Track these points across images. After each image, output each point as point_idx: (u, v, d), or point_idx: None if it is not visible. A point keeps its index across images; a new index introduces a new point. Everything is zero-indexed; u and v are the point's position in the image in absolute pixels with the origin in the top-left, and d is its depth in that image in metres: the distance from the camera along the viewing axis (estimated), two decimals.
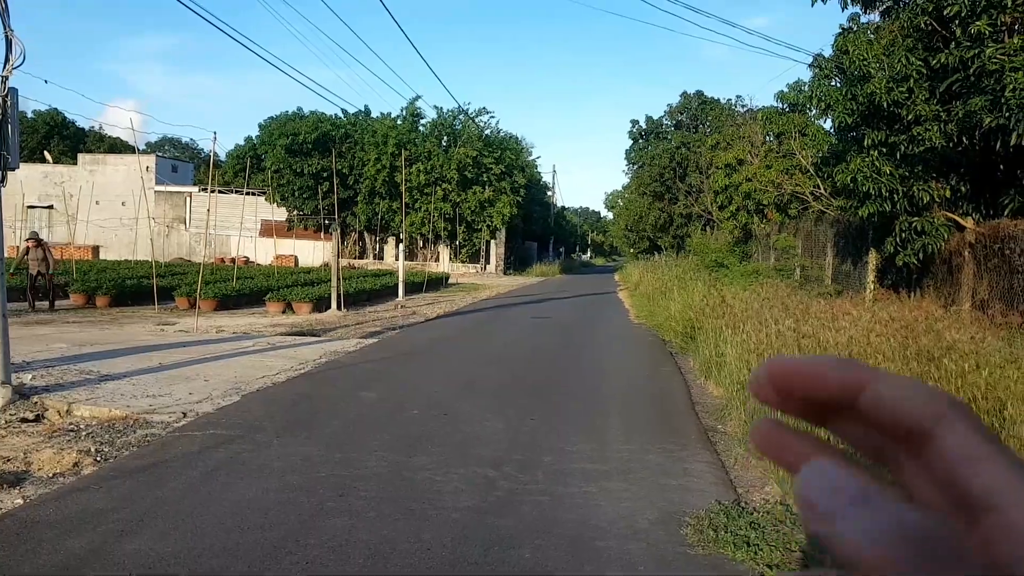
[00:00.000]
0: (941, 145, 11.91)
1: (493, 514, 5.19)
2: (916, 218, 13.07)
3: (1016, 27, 11.10)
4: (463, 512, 5.19)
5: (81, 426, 7.19)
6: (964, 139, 11.82)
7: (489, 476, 5.98)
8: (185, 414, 7.60)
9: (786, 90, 23.82)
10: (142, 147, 71.69)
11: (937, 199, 13.02)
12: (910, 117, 12.20)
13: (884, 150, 13.07)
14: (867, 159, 13.10)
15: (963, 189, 13.10)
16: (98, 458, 6.24)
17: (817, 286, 18.28)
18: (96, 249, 47.63)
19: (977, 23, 10.83)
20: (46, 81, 50.03)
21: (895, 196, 12.95)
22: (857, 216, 14.36)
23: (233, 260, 39.10)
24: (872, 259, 15.69)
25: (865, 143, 13.31)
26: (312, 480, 5.76)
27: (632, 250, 61.79)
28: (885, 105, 12.41)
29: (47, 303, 18.40)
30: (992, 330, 10.03)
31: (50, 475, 5.83)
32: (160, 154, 64.91)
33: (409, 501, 5.37)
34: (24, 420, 7.36)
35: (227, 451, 6.45)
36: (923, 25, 12.20)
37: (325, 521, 4.94)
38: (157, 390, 8.60)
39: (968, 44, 11.14)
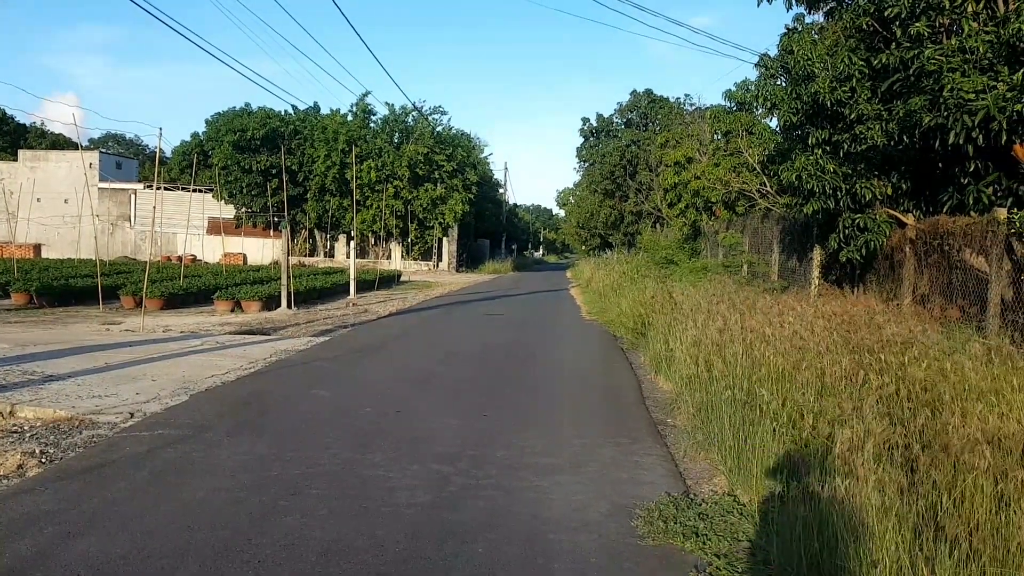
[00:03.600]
0: (883, 143, 12.16)
1: (447, 509, 5.22)
2: (859, 215, 13.33)
3: (954, 28, 11.41)
4: (417, 508, 5.21)
5: (25, 428, 7.04)
6: (905, 138, 12.07)
7: (443, 472, 6.00)
8: (132, 414, 7.49)
9: (734, 89, 24.22)
10: (85, 143, 70.12)
11: (879, 196, 13.30)
12: (853, 116, 12.44)
13: (828, 148, 13.31)
14: (811, 157, 13.33)
15: (904, 186, 13.40)
16: (43, 460, 6.12)
17: (764, 282, 18.59)
18: (38, 247, 46.45)
19: (916, 24, 11.08)
20: None
21: (838, 193, 13.20)
22: (802, 213, 14.61)
23: (180, 258, 38.50)
24: (817, 255, 16.00)
25: (809, 141, 13.54)
26: (264, 479, 5.72)
27: (584, 247, 62.17)
28: (829, 104, 12.65)
29: None
30: (932, 324, 10.31)
31: None
32: (104, 150, 63.54)
33: (362, 499, 5.37)
34: None
35: (176, 451, 6.38)
36: (865, 26, 12.46)
37: (277, 520, 4.92)
38: (103, 390, 8.45)
39: (908, 45, 11.39)
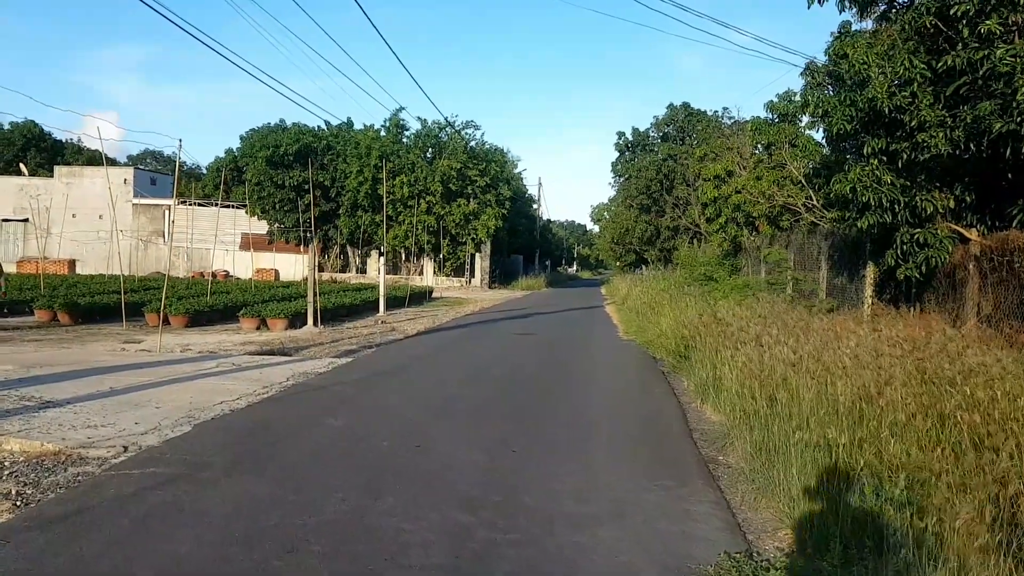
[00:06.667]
0: (946, 152, 11.26)
1: (468, 573, 4.44)
2: (918, 230, 12.41)
3: None
4: (433, 572, 4.43)
5: (6, 463, 6.37)
6: (971, 146, 11.18)
7: (464, 523, 5.22)
8: (126, 448, 6.80)
9: (775, 100, 23.32)
10: (123, 160, 70.78)
11: (940, 210, 12.38)
12: (913, 123, 11.55)
13: (884, 158, 12.42)
14: (867, 168, 12.44)
15: (968, 199, 12.47)
16: (18, 502, 5.44)
17: (811, 300, 17.63)
18: (72, 263, 46.59)
19: (987, 23, 10.21)
20: None
21: (896, 207, 12.30)
22: (855, 228, 13.70)
23: (213, 274, 38.24)
24: (870, 273, 15.04)
25: (864, 151, 12.65)
26: (258, 530, 4.98)
27: (618, 263, 61.16)
28: (886, 111, 11.76)
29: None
30: (1007, 350, 9.36)
31: None
32: (140, 167, 63.91)
33: (370, 558, 4.60)
34: None
35: (166, 494, 5.66)
36: (927, 26, 11.58)
37: None
38: (101, 419, 7.78)
39: (976, 45, 10.51)
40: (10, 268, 35.60)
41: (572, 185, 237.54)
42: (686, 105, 49.78)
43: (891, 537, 4.38)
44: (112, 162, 62.84)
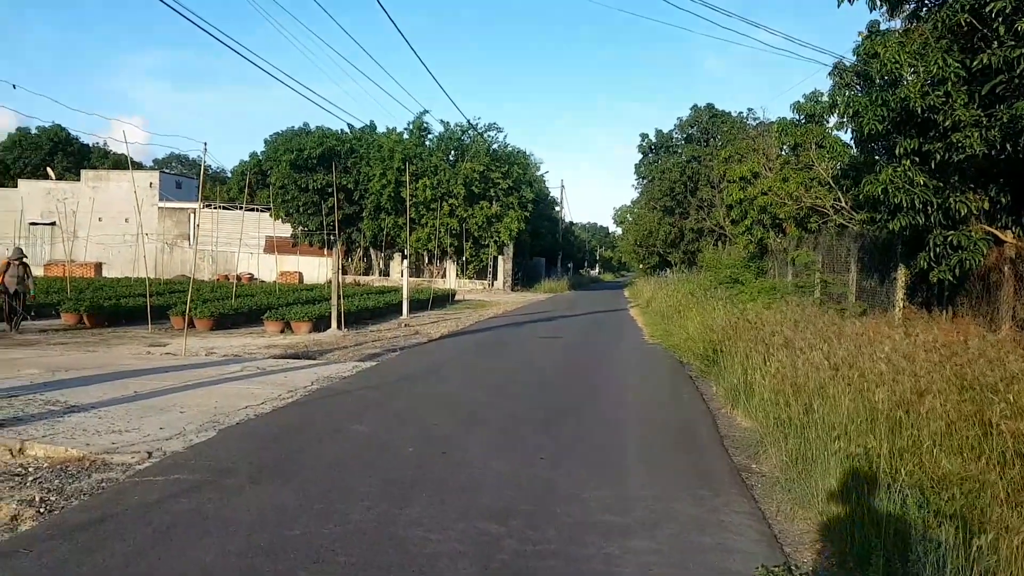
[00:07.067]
0: (982, 153, 11.01)
1: None
2: (952, 232, 12.15)
3: None
4: None
5: (30, 469, 6.33)
6: (1008, 146, 10.92)
7: (493, 533, 5.10)
8: (151, 453, 6.74)
9: (802, 100, 23.02)
10: (149, 164, 71.40)
11: (975, 211, 12.11)
12: (947, 123, 11.30)
13: (917, 159, 12.19)
14: (899, 169, 12.19)
15: (1003, 200, 12.20)
16: (41, 509, 5.39)
17: (840, 303, 17.36)
18: (99, 266, 46.99)
19: None
20: (15, 86, 50.14)
21: (929, 208, 12.05)
22: (885, 230, 13.46)
23: (238, 277, 38.41)
24: (901, 275, 14.76)
25: (896, 152, 12.40)
26: (284, 540, 4.88)
27: (642, 266, 60.78)
28: (919, 111, 11.52)
29: (26, 322, 17.57)
30: None
31: None
32: (165, 170, 64.44)
33: (397, 569, 4.50)
34: None
35: (190, 501, 5.58)
36: (962, 24, 11.32)
37: None
38: (125, 424, 7.74)
39: (1013, 43, 10.27)
40: (37, 271, 35.92)
41: (595, 187, 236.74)
42: (710, 106, 49.39)
43: (934, 552, 4.21)
44: (138, 166, 63.54)
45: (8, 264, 17.10)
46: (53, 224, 48.90)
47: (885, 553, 4.40)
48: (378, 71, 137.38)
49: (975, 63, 10.97)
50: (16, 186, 53.46)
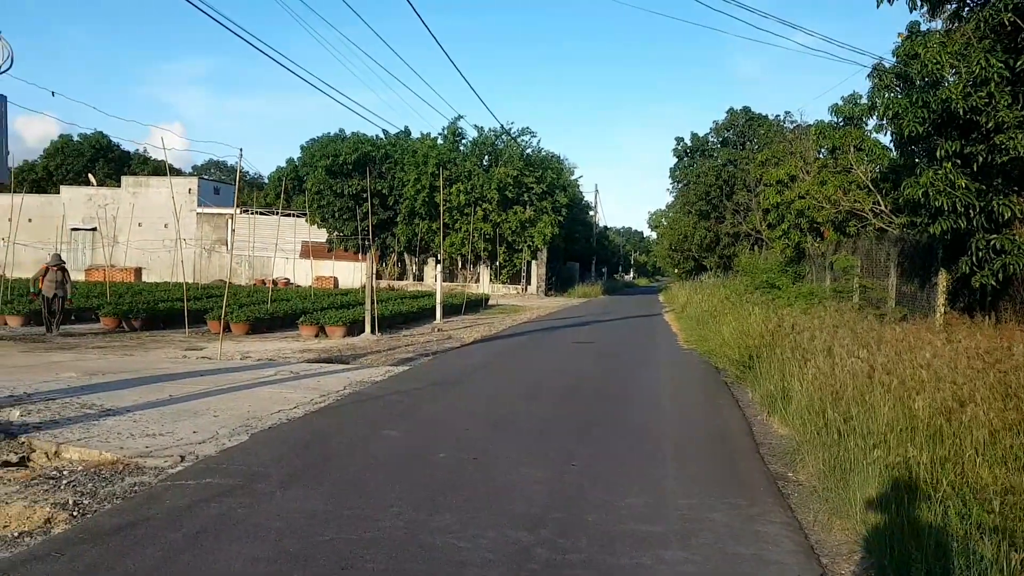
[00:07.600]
0: None
1: None
2: (995, 235, 11.88)
3: None
4: None
5: (65, 472, 6.38)
6: None
7: (523, 542, 5.04)
8: (183, 457, 6.77)
9: (840, 103, 22.69)
10: (188, 170, 72.39)
11: (1019, 215, 11.84)
12: (990, 124, 11.07)
13: (958, 162, 11.94)
14: (940, 172, 11.95)
15: None
16: (75, 512, 5.42)
17: (879, 308, 17.06)
18: (139, 271, 47.67)
19: None
20: (53, 93, 50.99)
21: (971, 211, 11.80)
22: (927, 234, 13.19)
23: (274, 282, 38.76)
24: (942, 280, 14.46)
25: (937, 154, 12.16)
26: (313, 545, 4.86)
27: (676, 270, 60.39)
28: (961, 112, 11.30)
29: (65, 325, 17.94)
30: None
31: (15, 535, 5.01)
32: (204, 176, 65.24)
33: None
34: (6, 464, 6.59)
35: (221, 506, 5.59)
36: (1005, 23, 11.08)
37: None
38: (159, 427, 7.80)
39: None
40: (79, 276, 36.52)
41: (629, 191, 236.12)
42: (746, 109, 48.97)
43: (977, 564, 4.08)
44: (176, 172, 64.37)
45: (47, 269, 17.44)
46: (94, 230, 49.68)
47: (926, 565, 4.27)
48: (412, 77, 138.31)
49: (1019, 63, 10.75)
50: (59, 192, 54.47)
